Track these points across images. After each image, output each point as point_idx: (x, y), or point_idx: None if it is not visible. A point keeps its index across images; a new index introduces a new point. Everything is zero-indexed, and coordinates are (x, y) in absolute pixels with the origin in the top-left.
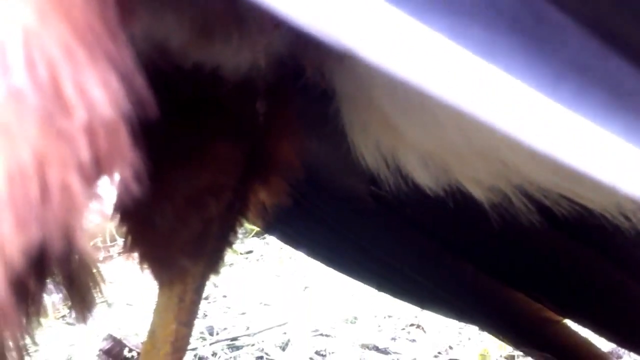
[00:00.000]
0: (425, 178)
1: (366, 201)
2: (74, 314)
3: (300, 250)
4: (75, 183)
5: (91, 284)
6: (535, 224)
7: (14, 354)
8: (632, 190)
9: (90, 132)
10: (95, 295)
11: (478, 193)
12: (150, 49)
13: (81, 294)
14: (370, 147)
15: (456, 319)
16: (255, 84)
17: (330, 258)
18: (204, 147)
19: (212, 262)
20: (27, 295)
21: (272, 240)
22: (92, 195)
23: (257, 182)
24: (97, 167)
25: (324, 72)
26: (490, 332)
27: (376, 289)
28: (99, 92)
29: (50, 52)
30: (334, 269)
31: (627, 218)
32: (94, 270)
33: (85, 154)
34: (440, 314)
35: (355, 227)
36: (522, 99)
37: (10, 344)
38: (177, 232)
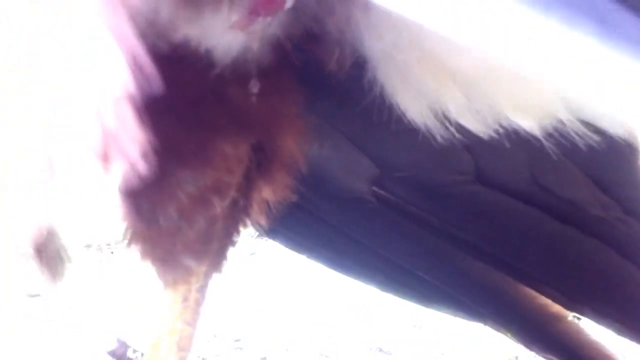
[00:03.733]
0: (473, 120)
1: (369, 201)
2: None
3: (303, 254)
4: (84, 167)
5: (61, 253)
6: (595, 147)
7: None
8: None
9: (98, 109)
10: (64, 264)
11: (530, 123)
12: (141, 25)
13: (52, 263)
14: (414, 99)
15: (464, 318)
16: (249, 67)
17: (333, 260)
18: (208, 144)
19: (216, 261)
20: None
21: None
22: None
23: (262, 179)
24: (105, 145)
25: (351, 42)
26: (499, 330)
27: (381, 289)
28: (105, 68)
29: None
30: (338, 271)
31: None
32: (62, 242)
33: (93, 131)
34: (448, 313)
35: (358, 228)
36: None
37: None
38: (181, 231)
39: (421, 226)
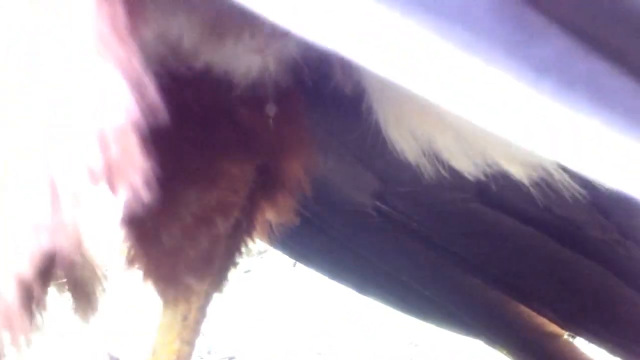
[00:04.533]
0: (464, 162)
1: (371, 215)
2: (77, 316)
3: (304, 264)
4: (86, 191)
5: (96, 286)
6: (578, 199)
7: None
8: (620, 184)
9: (101, 138)
10: (99, 297)
11: (518, 171)
12: (162, 50)
13: (86, 297)
14: (407, 137)
15: (460, 333)
16: (266, 89)
17: (333, 271)
18: (214, 164)
19: (217, 281)
20: (31, 300)
21: (270, 259)
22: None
23: (265, 200)
24: (108, 174)
25: (352, 70)
26: (494, 347)
27: (380, 301)
28: (109, 98)
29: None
30: (338, 281)
31: None
32: (99, 273)
33: (95, 160)
34: (444, 328)
35: (360, 241)
36: (506, 93)
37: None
38: (184, 250)
39: (421, 242)
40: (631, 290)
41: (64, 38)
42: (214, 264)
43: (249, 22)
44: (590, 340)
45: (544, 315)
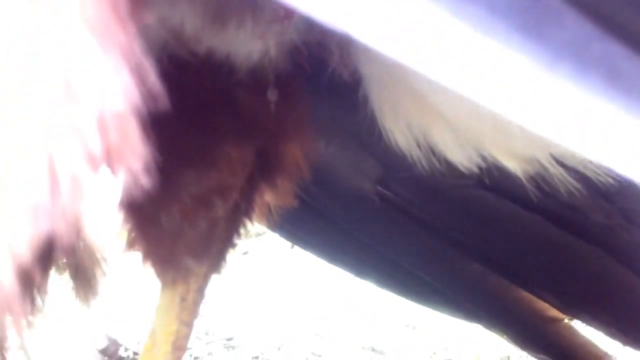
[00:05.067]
0: (458, 155)
1: (373, 200)
2: (77, 299)
3: (304, 248)
4: (85, 175)
5: (96, 270)
6: (574, 194)
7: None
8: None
9: (101, 123)
10: (99, 281)
11: (514, 165)
12: (165, 35)
13: (86, 280)
14: (402, 128)
15: (460, 318)
16: (266, 73)
17: (334, 255)
18: (214, 147)
19: (216, 262)
20: (32, 285)
21: (268, 241)
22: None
23: (264, 183)
24: (107, 159)
25: (350, 57)
26: (495, 331)
27: (381, 287)
28: (109, 84)
29: (62, 44)
30: (338, 266)
31: None
32: (99, 257)
33: (95, 145)
34: (444, 312)
35: (361, 225)
36: (520, 75)
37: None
38: (183, 232)
39: (422, 227)
40: (634, 275)
41: (65, 22)
42: (213, 246)
43: (251, 7)
44: (592, 325)
45: (544, 300)
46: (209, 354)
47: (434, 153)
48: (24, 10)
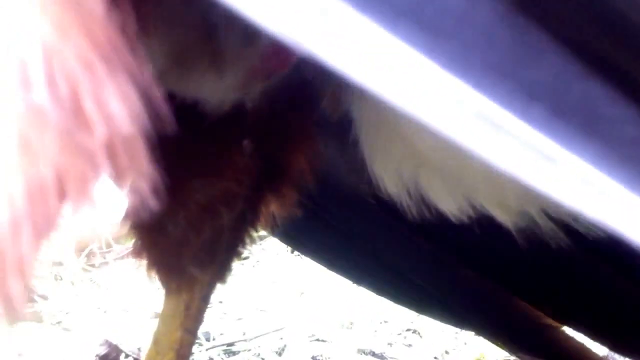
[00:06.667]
0: (449, 205)
1: (370, 203)
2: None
3: (302, 253)
4: (94, 197)
5: None
6: (562, 247)
7: None
8: (599, 219)
9: (110, 147)
10: None
11: (504, 218)
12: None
13: None
14: (392, 175)
15: (455, 325)
16: (243, 120)
17: (331, 260)
18: (220, 155)
19: (221, 271)
20: None
21: (268, 247)
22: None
23: (270, 192)
24: (115, 182)
25: (340, 99)
26: (487, 339)
27: (376, 292)
28: (118, 107)
29: (70, 67)
30: (336, 272)
31: None
32: None
33: (104, 169)
34: (439, 320)
35: (358, 229)
36: (492, 119)
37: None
38: (188, 240)
39: (419, 232)
40: (627, 287)
41: (73, 44)
42: (218, 254)
43: (216, 58)
44: (585, 334)
45: (541, 310)
46: None
47: (424, 201)
48: (36, 29)
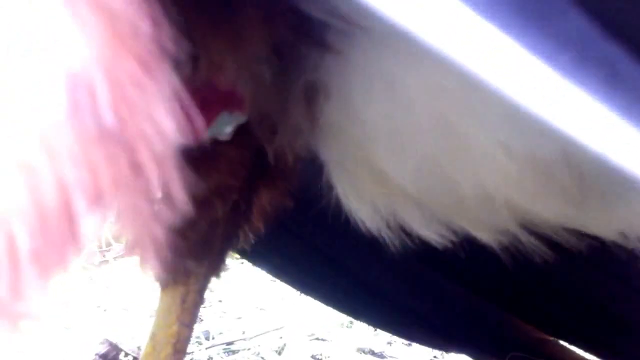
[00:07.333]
0: (430, 231)
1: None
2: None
3: (284, 281)
4: (147, 209)
5: None
6: (547, 260)
7: None
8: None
9: (161, 162)
10: None
11: (486, 237)
12: None
13: None
14: (368, 210)
15: (443, 349)
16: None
17: (315, 288)
18: (213, 147)
19: (215, 264)
20: None
21: None
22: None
23: (263, 184)
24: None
25: (308, 143)
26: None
27: (355, 317)
28: (169, 123)
29: (126, 90)
30: (320, 300)
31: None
32: None
33: (156, 183)
34: (427, 345)
35: (341, 248)
36: (523, 64)
37: None
38: (183, 233)
39: (405, 250)
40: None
41: (126, 62)
42: (213, 247)
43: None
44: (578, 347)
45: (532, 324)
46: (209, 359)
47: (405, 231)
48: (89, 52)
